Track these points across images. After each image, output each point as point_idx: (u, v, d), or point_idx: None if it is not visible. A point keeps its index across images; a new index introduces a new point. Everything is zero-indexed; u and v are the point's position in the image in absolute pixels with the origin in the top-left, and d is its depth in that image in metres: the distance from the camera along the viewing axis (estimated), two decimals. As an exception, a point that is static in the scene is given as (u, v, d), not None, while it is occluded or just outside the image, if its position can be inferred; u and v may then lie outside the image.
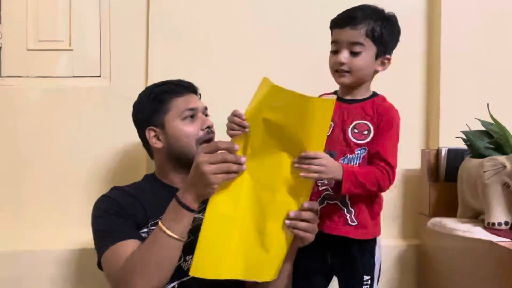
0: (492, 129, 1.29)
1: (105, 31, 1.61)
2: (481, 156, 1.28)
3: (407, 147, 1.59)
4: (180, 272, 1.13)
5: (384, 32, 1.20)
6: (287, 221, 1.07)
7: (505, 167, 1.18)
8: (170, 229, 1.04)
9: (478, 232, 1.19)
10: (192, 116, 1.27)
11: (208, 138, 1.27)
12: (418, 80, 1.63)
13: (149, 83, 1.52)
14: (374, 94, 1.27)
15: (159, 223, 1.06)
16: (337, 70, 1.23)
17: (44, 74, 1.61)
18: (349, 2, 1.23)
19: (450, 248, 1.33)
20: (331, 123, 1.23)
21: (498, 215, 1.19)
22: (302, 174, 1.07)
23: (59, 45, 1.61)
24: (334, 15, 1.26)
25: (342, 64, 1.21)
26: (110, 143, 1.57)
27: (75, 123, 1.58)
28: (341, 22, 1.22)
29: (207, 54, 1.59)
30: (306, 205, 1.08)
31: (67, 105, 1.58)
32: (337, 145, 1.23)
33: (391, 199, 1.60)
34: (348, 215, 1.20)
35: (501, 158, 1.20)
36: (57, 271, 1.46)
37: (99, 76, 1.61)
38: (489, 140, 1.29)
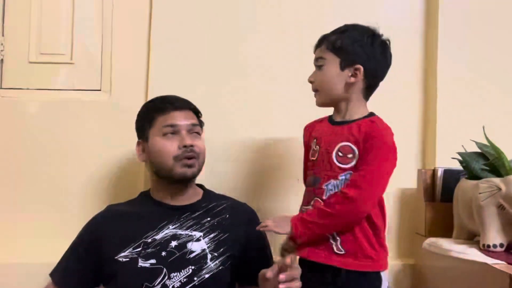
0: (487, 151, 1.30)
1: (107, 46, 1.62)
2: (477, 177, 1.28)
3: (403, 166, 1.60)
4: None
5: (344, 41, 1.18)
6: (282, 286, 1.00)
7: (500, 189, 1.18)
8: None
9: (473, 254, 1.19)
10: (174, 133, 1.25)
11: (183, 156, 1.23)
12: (415, 101, 1.65)
13: (149, 98, 1.54)
14: (368, 115, 1.21)
15: None
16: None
17: (45, 86, 1.61)
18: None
19: (445, 269, 1.33)
20: (317, 146, 1.22)
21: (493, 237, 1.19)
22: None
23: (60, 58, 1.62)
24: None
25: (310, 82, 1.22)
26: (109, 157, 1.57)
27: (75, 136, 1.58)
28: (314, 47, 1.24)
29: (208, 70, 1.61)
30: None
31: (67, 118, 1.58)
32: (322, 169, 1.19)
33: (387, 218, 1.61)
34: (334, 243, 1.15)
35: (496, 180, 1.21)
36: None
37: (100, 90, 1.62)
38: (484, 162, 1.30)
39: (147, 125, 1.29)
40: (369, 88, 1.22)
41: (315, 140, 1.25)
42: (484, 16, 1.59)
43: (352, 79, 1.18)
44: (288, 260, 1.01)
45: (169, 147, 1.23)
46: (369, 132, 1.15)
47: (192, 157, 1.24)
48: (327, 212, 1.12)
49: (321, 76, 1.19)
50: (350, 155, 1.15)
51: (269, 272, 1.03)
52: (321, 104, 1.23)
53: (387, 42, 1.23)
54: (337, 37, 1.19)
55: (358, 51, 1.18)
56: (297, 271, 1.03)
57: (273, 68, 1.61)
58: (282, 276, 1.00)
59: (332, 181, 1.16)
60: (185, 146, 1.23)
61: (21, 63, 1.61)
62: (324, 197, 1.17)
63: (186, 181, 1.27)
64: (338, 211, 1.11)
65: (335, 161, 1.16)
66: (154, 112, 1.29)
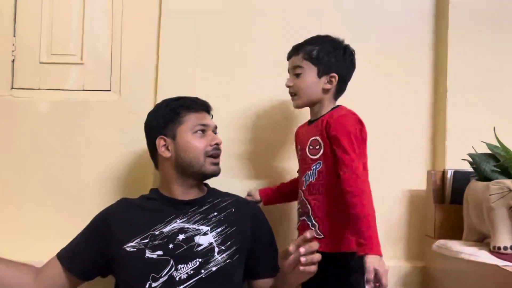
0: (498, 153, 1.29)
1: (116, 47, 1.63)
2: (487, 179, 1.27)
3: (413, 168, 1.61)
4: (172, 281, 1.18)
5: (320, 52, 1.32)
6: (303, 258, 1.07)
7: (511, 190, 1.17)
8: None
9: (483, 256, 1.18)
10: (203, 132, 1.33)
11: (214, 153, 1.33)
12: (425, 102, 1.64)
13: (158, 99, 1.55)
14: (332, 109, 1.34)
15: None
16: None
17: (55, 87, 1.63)
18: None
19: (455, 271, 1.32)
20: (299, 147, 1.38)
21: (504, 239, 1.18)
22: None
23: (71, 59, 1.64)
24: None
25: (288, 87, 1.35)
26: (117, 156, 1.58)
27: (84, 136, 1.59)
28: (288, 54, 1.37)
29: (216, 72, 1.61)
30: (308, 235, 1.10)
31: (77, 118, 1.60)
32: (301, 165, 1.36)
33: (396, 219, 1.60)
34: (314, 229, 1.29)
35: (507, 182, 1.20)
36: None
37: (109, 90, 1.63)
38: (495, 164, 1.29)
39: (175, 122, 1.33)
40: (340, 90, 1.37)
41: (297, 143, 1.42)
42: (495, 17, 1.58)
43: (328, 85, 1.33)
44: (307, 235, 1.09)
45: (202, 143, 1.32)
46: (328, 122, 1.29)
47: (218, 155, 1.35)
48: (354, 196, 1.20)
49: (300, 83, 1.33)
50: (317, 147, 1.30)
51: (291, 246, 1.10)
52: (300, 106, 1.37)
53: (353, 51, 1.38)
54: (312, 48, 1.33)
55: (333, 61, 1.33)
56: (316, 245, 1.09)
57: (280, 72, 1.61)
58: (302, 249, 1.07)
59: (308, 172, 1.32)
60: (216, 144, 1.33)
61: (32, 63, 1.63)
62: (303, 188, 1.32)
63: (209, 177, 1.35)
64: (355, 183, 1.21)
65: (308, 154, 1.32)
66: (185, 110, 1.34)
